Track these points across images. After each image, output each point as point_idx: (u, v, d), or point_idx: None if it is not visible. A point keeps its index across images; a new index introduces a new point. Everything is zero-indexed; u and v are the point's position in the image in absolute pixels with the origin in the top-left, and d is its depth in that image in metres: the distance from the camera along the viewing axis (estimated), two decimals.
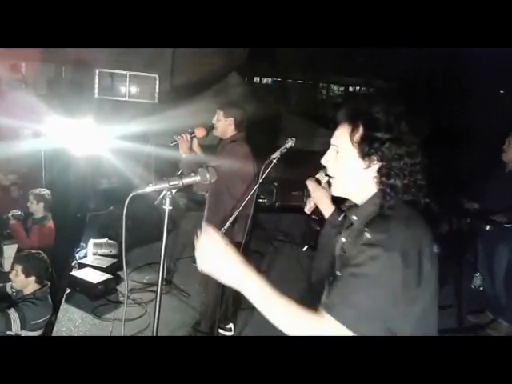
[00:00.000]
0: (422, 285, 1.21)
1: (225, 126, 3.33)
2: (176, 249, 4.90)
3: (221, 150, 3.34)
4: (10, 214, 4.52)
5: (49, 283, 3.55)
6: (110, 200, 5.95)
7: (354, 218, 1.38)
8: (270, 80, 18.35)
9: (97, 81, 14.59)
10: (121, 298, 4.09)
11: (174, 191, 1.52)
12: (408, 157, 1.30)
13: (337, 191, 1.43)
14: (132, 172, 4.91)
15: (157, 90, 15.36)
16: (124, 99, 14.94)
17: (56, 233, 4.74)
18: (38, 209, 4.68)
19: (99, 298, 4.05)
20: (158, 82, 15.38)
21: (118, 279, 4.32)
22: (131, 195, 1.50)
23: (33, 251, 3.62)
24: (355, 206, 1.42)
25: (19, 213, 4.60)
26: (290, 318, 1.19)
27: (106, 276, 4.23)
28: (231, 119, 3.31)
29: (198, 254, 1.25)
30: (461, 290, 4.56)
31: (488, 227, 3.86)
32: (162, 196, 1.56)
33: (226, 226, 2.46)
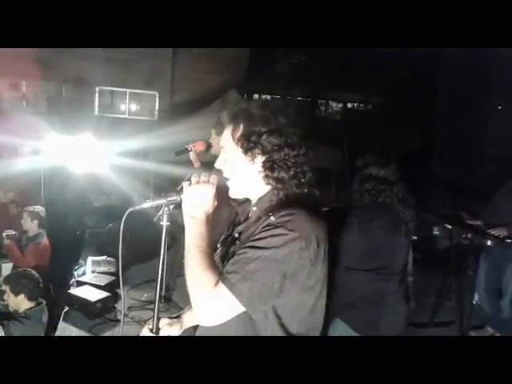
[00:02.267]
0: (317, 274, 1.29)
1: (219, 144, 3.33)
2: (175, 266, 4.87)
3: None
4: (4, 234, 4.50)
5: (44, 302, 3.51)
6: (110, 217, 5.93)
7: (254, 209, 1.42)
8: (269, 97, 18.48)
9: (97, 98, 14.69)
10: (119, 317, 4.04)
11: (172, 207, 1.51)
12: (288, 147, 1.35)
13: (234, 192, 1.46)
14: (131, 189, 4.90)
15: (156, 108, 15.45)
16: (124, 116, 15.03)
17: (54, 250, 4.72)
18: (32, 226, 4.67)
19: (97, 316, 4.00)
20: (157, 99, 15.49)
21: (116, 297, 4.27)
22: (128, 211, 1.49)
23: (20, 269, 3.59)
24: (248, 200, 1.46)
25: (13, 233, 4.59)
26: (194, 274, 1.27)
27: (104, 294, 4.18)
28: None
29: (189, 189, 1.38)
30: (463, 307, 4.51)
31: (489, 242, 3.85)
32: (160, 212, 1.54)
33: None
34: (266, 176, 1.36)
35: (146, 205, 1.48)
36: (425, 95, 16.04)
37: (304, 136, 1.39)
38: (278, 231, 1.24)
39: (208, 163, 3.63)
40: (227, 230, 1.58)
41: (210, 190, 1.39)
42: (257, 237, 1.27)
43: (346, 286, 2.36)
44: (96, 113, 14.45)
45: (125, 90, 15.01)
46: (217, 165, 1.48)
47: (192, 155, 3.47)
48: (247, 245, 1.28)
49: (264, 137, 1.34)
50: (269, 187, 1.38)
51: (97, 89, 14.56)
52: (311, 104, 19.02)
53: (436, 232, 5.64)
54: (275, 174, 1.34)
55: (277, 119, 1.36)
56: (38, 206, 4.86)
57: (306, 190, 1.36)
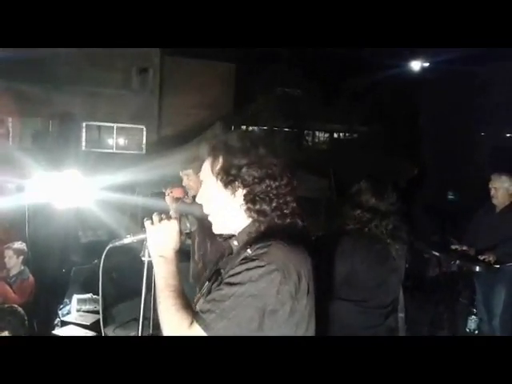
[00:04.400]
0: (301, 310, 1.22)
1: (198, 182, 3.23)
2: None
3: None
4: None
5: None
6: (96, 253, 5.82)
7: (235, 243, 1.37)
8: (256, 128, 18.69)
9: (84, 133, 14.73)
10: None
11: None
12: (270, 179, 1.30)
13: (216, 228, 1.41)
14: (119, 223, 4.84)
15: (144, 141, 15.52)
16: (111, 151, 15.04)
17: (39, 289, 4.61)
18: (17, 263, 4.58)
19: None
20: (145, 133, 15.57)
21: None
22: (108, 247, 1.45)
23: (6, 305, 3.49)
24: (233, 235, 1.41)
25: None
26: (168, 315, 1.23)
27: (89, 334, 4.06)
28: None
29: (152, 228, 1.36)
30: (456, 334, 4.46)
31: (478, 268, 3.84)
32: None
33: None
34: (248, 209, 1.31)
35: (127, 240, 1.44)
36: (410, 122, 16.36)
37: (286, 166, 1.34)
38: (253, 264, 1.19)
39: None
40: (214, 265, 1.53)
41: (174, 227, 1.37)
42: (232, 272, 1.22)
43: (329, 315, 2.29)
44: (83, 148, 14.45)
45: (112, 124, 15.09)
46: (198, 199, 1.44)
47: (168, 200, 3.42)
48: (224, 281, 1.23)
49: (244, 169, 1.30)
50: (250, 220, 1.33)
51: (84, 124, 14.61)
52: (297, 134, 19.27)
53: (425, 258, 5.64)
54: (257, 207, 1.30)
55: (257, 150, 1.31)
56: (21, 242, 4.78)
57: (288, 221, 1.31)
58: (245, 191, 1.31)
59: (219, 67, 16.63)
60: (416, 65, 15.55)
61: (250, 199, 1.30)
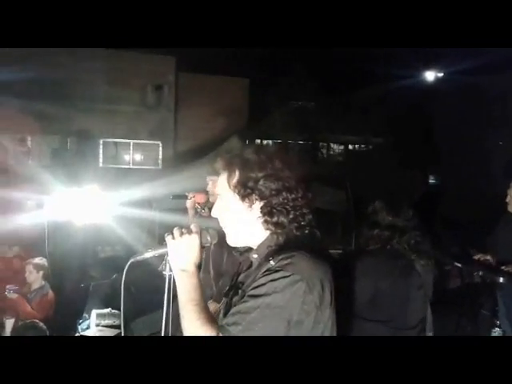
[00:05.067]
0: (324, 320, 1.23)
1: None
2: None
3: None
4: (7, 288, 4.45)
5: None
6: (115, 268, 5.86)
7: (254, 256, 1.36)
8: (270, 142, 18.75)
9: (101, 150, 14.95)
10: None
11: None
12: (286, 191, 1.31)
13: (232, 241, 1.41)
14: (137, 238, 4.87)
15: (160, 157, 15.68)
16: (128, 167, 15.22)
17: (59, 304, 4.65)
18: (37, 278, 4.63)
19: None
20: (161, 148, 15.74)
21: None
22: (130, 262, 1.44)
23: (28, 321, 3.52)
24: (250, 248, 1.40)
25: (16, 287, 4.54)
26: (193, 330, 1.23)
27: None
28: None
29: (173, 242, 1.36)
30: None
31: (501, 279, 3.75)
32: (164, 261, 1.51)
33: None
34: (265, 221, 1.32)
35: (148, 254, 1.44)
36: (425, 133, 16.23)
37: (301, 179, 1.35)
38: (277, 275, 1.19)
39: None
40: (231, 280, 1.52)
41: (195, 240, 1.37)
42: (256, 284, 1.22)
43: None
44: (101, 164, 14.66)
45: (128, 141, 15.29)
46: (213, 213, 1.44)
47: (189, 203, 3.44)
48: (248, 293, 1.23)
49: (261, 182, 1.31)
50: (268, 232, 1.33)
51: (101, 141, 14.84)
52: (312, 147, 19.26)
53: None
54: (274, 219, 1.30)
55: (273, 163, 1.32)
56: (41, 258, 4.84)
57: (306, 232, 1.32)
58: (262, 204, 1.32)
59: (233, 82, 16.80)
60: (430, 75, 15.49)
61: (268, 211, 1.31)
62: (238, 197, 1.34)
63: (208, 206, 3.36)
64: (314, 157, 18.95)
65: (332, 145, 20.92)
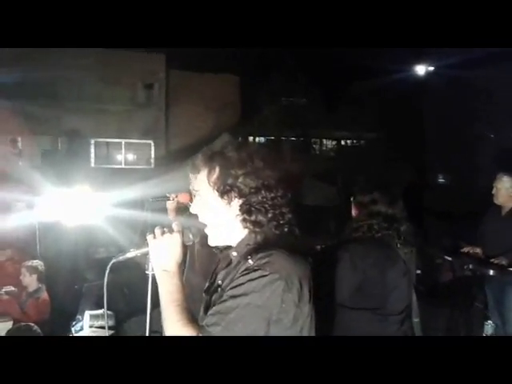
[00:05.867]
0: (303, 316, 1.23)
1: None
2: None
3: None
4: (2, 291, 4.43)
5: None
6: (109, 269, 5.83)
7: (234, 254, 1.36)
8: (262, 139, 18.74)
9: (93, 150, 14.88)
10: None
11: None
12: (266, 190, 1.31)
13: (212, 239, 1.41)
14: (129, 239, 4.86)
15: (152, 156, 15.63)
16: (120, 166, 15.16)
17: (52, 306, 4.62)
18: (31, 281, 4.60)
19: None
20: (153, 147, 15.69)
21: None
22: (112, 262, 1.42)
23: (22, 324, 3.51)
24: (229, 246, 1.40)
25: (12, 289, 4.51)
26: (174, 331, 1.23)
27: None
28: None
29: (154, 242, 1.34)
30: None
31: (491, 272, 3.79)
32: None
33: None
34: (244, 220, 1.31)
35: (130, 254, 1.42)
36: (415, 126, 16.31)
37: (282, 178, 1.35)
38: (256, 274, 1.19)
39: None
40: (210, 277, 1.52)
41: (177, 240, 1.35)
42: (235, 283, 1.22)
43: (343, 326, 2.27)
44: (92, 164, 14.59)
45: (120, 140, 15.22)
46: (192, 209, 1.43)
47: (171, 204, 3.41)
48: (227, 293, 1.22)
49: (240, 179, 1.30)
50: (247, 231, 1.33)
51: (92, 141, 14.76)
52: (304, 143, 19.29)
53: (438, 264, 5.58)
54: (253, 218, 1.29)
55: (253, 162, 1.32)
56: (37, 261, 4.80)
57: (285, 230, 1.31)
58: (240, 201, 1.31)
59: (224, 79, 16.76)
60: (420, 69, 15.54)
61: (246, 210, 1.30)
62: (216, 193, 1.33)
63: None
64: (306, 153, 18.98)
65: (324, 140, 20.96)
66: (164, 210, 3.44)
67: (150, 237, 1.37)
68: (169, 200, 3.27)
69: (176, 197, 3.28)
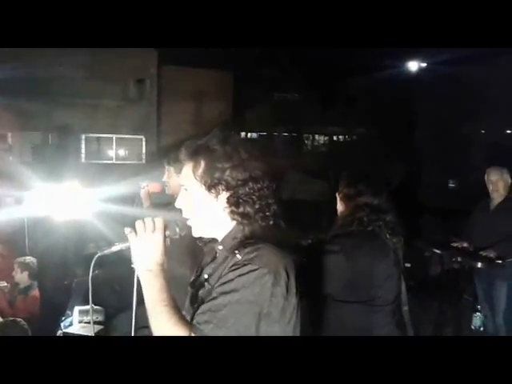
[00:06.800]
0: (290, 308, 1.24)
1: (178, 183, 3.07)
2: None
3: None
4: None
5: None
6: (98, 264, 5.80)
7: (220, 247, 1.36)
8: (255, 134, 18.74)
9: (83, 146, 14.78)
10: None
11: None
12: (253, 181, 1.31)
13: (196, 231, 1.39)
14: (119, 235, 4.83)
15: (143, 151, 15.56)
16: (111, 162, 15.08)
17: (42, 302, 4.60)
18: (22, 278, 4.57)
19: None
20: (144, 143, 15.63)
21: None
22: (97, 256, 1.42)
23: (10, 319, 3.49)
24: (214, 239, 1.40)
25: (5, 284, 4.47)
26: (165, 331, 1.21)
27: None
28: None
29: (137, 241, 1.30)
30: (461, 332, 4.44)
31: (480, 265, 3.83)
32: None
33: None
34: (232, 212, 1.31)
35: (115, 248, 1.40)
36: (405, 123, 16.38)
37: (266, 168, 1.35)
38: (245, 269, 1.19)
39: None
40: (196, 271, 1.50)
41: (159, 237, 1.32)
42: (224, 279, 1.21)
43: (337, 320, 2.29)
44: (83, 160, 14.50)
45: (111, 135, 15.14)
46: (177, 204, 1.41)
47: (143, 193, 3.40)
48: (217, 290, 1.22)
49: (228, 172, 1.30)
50: (234, 223, 1.32)
51: (83, 136, 14.67)
52: (297, 139, 19.31)
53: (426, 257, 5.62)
54: (241, 209, 1.29)
55: (239, 154, 1.32)
56: (29, 257, 4.77)
57: (271, 223, 1.31)
58: (228, 194, 1.31)
59: (216, 75, 16.70)
60: (412, 65, 15.59)
61: (234, 202, 1.30)
62: (203, 187, 1.32)
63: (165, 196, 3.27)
64: (299, 148, 19.01)
65: (316, 136, 20.99)
66: (154, 205, 3.42)
67: (131, 235, 1.33)
68: (141, 188, 3.32)
69: (147, 185, 3.29)
